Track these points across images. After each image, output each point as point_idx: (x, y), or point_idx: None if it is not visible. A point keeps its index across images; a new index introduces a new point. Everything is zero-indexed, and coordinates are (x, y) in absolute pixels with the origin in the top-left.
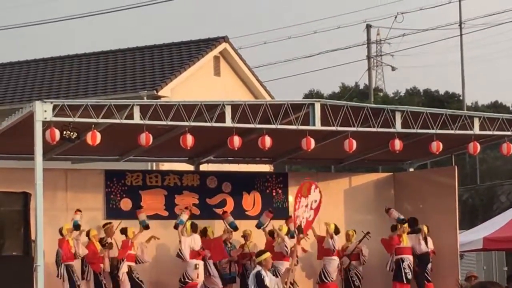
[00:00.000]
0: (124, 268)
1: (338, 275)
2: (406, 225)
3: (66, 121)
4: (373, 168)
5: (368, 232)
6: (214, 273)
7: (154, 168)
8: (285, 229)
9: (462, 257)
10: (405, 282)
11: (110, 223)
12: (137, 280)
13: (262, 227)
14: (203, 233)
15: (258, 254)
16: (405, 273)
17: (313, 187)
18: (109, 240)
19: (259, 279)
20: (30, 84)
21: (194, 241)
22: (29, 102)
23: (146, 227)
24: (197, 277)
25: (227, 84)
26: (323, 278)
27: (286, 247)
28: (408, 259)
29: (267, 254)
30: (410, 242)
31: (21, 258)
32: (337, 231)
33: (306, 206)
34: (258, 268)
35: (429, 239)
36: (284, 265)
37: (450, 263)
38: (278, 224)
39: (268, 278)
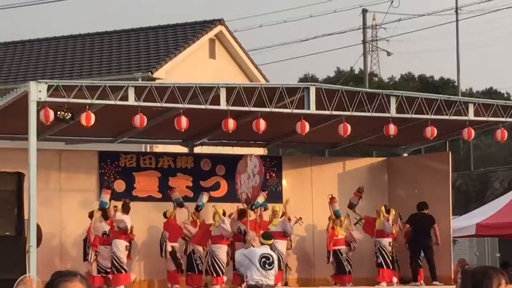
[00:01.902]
0: (168, 247)
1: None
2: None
3: (60, 101)
4: (367, 153)
5: (361, 218)
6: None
7: (148, 150)
8: (220, 210)
9: (455, 243)
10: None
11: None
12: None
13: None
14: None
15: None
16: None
17: (248, 158)
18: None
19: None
20: (25, 64)
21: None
22: (23, 82)
23: (180, 204)
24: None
25: (222, 67)
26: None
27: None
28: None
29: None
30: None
31: (14, 238)
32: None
33: (248, 178)
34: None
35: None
36: (223, 248)
37: (443, 249)
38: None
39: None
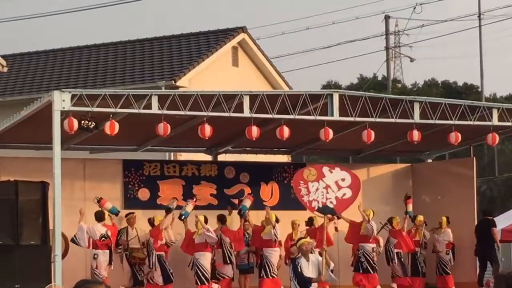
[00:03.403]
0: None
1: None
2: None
3: (84, 110)
4: (391, 159)
5: (386, 223)
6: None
7: (172, 158)
8: (201, 218)
9: None
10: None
11: (132, 212)
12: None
13: (245, 212)
14: (222, 221)
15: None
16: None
17: (325, 169)
18: (130, 229)
19: (294, 267)
20: (49, 74)
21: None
22: (47, 92)
23: (168, 210)
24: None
25: (245, 75)
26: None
27: (276, 235)
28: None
29: (302, 241)
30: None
31: (39, 247)
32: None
33: (326, 187)
34: (297, 255)
35: (448, 231)
36: (274, 252)
37: (468, 255)
38: (296, 216)
39: (307, 263)
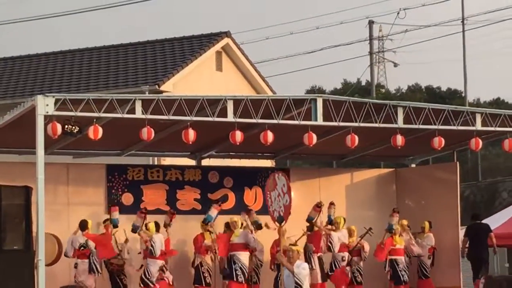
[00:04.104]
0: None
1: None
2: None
3: (68, 115)
4: (375, 164)
5: (370, 228)
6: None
7: (156, 163)
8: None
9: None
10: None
11: (107, 219)
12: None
13: (211, 221)
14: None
15: None
16: (402, 275)
17: (276, 176)
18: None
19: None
20: (32, 79)
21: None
22: (31, 96)
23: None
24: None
25: (229, 79)
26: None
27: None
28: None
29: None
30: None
31: (22, 252)
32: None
33: (278, 195)
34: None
35: (431, 235)
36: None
37: (452, 259)
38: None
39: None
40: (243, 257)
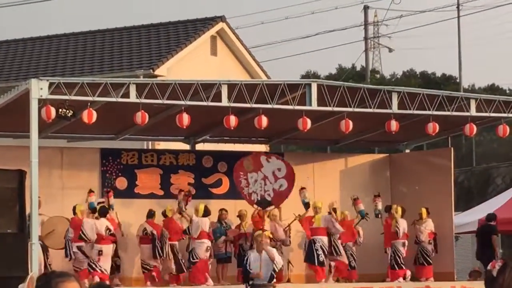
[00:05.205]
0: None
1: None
2: None
3: (62, 99)
4: (369, 149)
5: (366, 213)
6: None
7: (150, 147)
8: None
9: (457, 239)
10: (316, 264)
11: (102, 202)
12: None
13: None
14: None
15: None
16: (318, 255)
17: (262, 158)
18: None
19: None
20: (27, 62)
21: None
22: (25, 80)
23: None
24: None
25: (224, 64)
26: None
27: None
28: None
29: (258, 232)
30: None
31: (16, 235)
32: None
33: (263, 178)
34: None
35: (430, 221)
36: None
37: (446, 245)
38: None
39: (258, 256)
40: None
